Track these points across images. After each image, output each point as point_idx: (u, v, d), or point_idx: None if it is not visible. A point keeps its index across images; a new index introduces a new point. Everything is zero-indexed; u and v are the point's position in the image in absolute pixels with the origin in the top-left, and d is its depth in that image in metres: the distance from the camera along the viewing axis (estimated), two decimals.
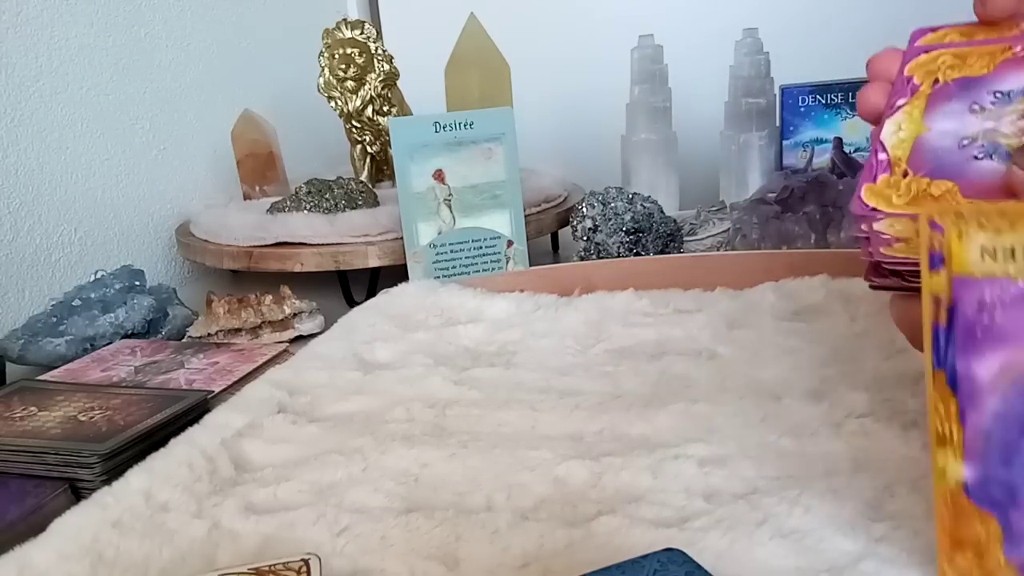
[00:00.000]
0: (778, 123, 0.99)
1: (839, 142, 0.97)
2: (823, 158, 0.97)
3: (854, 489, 0.38)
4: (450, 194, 0.78)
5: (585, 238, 0.82)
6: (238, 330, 0.73)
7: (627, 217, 0.81)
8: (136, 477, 0.43)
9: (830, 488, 0.38)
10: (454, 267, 0.78)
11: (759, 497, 0.38)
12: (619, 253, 0.80)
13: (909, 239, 0.32)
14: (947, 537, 0.29)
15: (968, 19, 0.35)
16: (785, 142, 0.98)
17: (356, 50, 0.94)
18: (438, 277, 0.77)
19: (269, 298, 0.75)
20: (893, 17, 1.24)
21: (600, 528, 0.37)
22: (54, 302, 0.77)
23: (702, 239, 0.89)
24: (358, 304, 0.71)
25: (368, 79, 0.95)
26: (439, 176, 0.78)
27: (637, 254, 0.80)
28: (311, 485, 0.42)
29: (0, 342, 0.72)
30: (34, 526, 0.39)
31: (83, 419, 0.52)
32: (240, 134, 1.01)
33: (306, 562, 0.33)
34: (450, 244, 0.78)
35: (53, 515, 0.40)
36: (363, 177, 1.02)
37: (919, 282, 0.28)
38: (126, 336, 0.74)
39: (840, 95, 0.96)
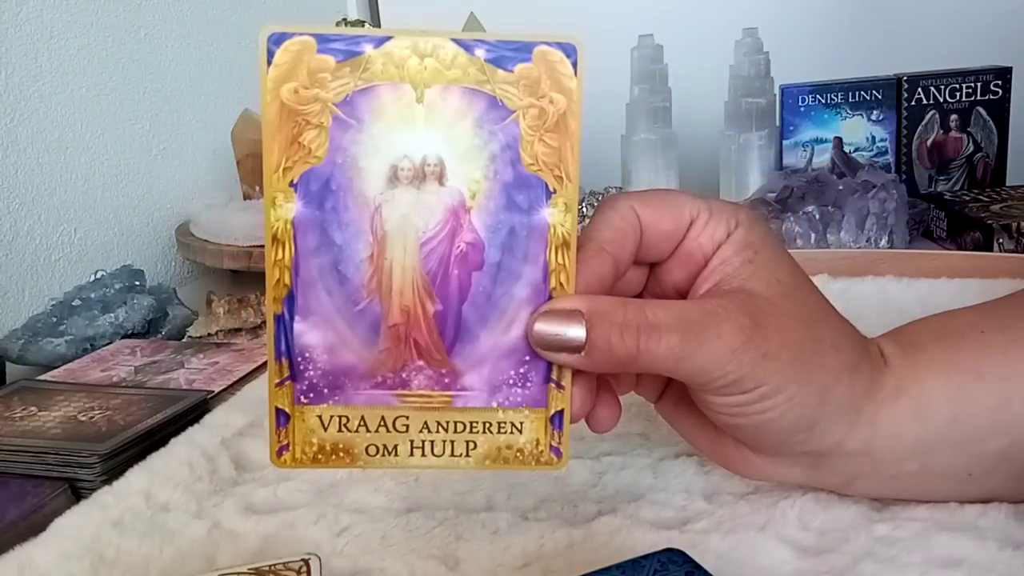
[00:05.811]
0: (778, 123, 0.99)
1: (839, 142, 0.97)
2: (823, 158, 0.97)
3: None
4: None
5: None
6: (238, 330, 0.73)
7: None
8: (136, 477, 0.43)
9: None
10: None
11: (759, 497, 0.38)
12: None
13: None
14: None
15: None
16: (785, 142, 0.98)
17: None
18: None
19: None
20: (892, 17, 1.25)
21: (600, 528, 0.37)
22: (54, 302, 0.77)
23: None
24: None
25: None
26: None
27: None
28: (311, 485, 0.42)
29: (0, 342, 0.72)
30: (34, 526, 0.39)
31: (83, 419, 0.52)
32: (240, 134, 1.01)
33: (306, 562, 0.33)
34: None
35: (53, 515, 0.40)
36: None
37: None
38: (126, 336, 0.74)
39: (840, 95, 0.96)
